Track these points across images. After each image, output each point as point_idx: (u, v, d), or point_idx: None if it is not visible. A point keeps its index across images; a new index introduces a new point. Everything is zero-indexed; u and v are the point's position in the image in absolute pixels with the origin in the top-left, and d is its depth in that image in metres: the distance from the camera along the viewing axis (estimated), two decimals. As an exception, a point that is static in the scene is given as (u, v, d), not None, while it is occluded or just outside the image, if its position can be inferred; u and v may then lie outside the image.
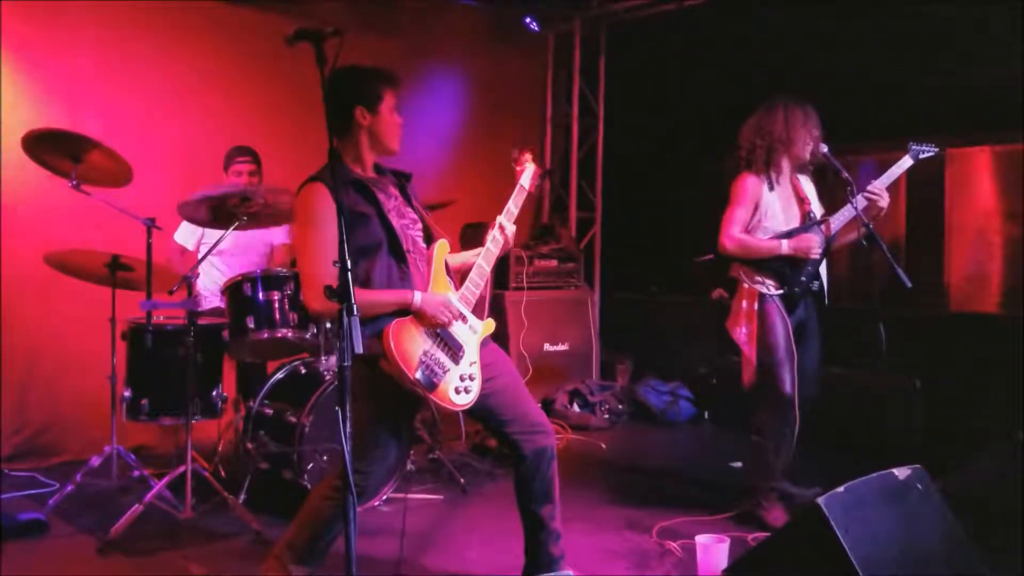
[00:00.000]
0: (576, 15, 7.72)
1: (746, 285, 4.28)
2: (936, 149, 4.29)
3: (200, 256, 4.55)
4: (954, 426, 5.25)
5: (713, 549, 3.57)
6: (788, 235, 4.21)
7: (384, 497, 4.44)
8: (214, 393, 4.45)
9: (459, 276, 3.30)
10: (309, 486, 4.14)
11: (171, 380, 4.27)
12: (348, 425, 2.37)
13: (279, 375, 4.60)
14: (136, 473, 4.50)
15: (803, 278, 4.21)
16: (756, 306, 4.23)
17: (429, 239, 3.29)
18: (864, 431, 5.46)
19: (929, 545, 2.99)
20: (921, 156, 4.25)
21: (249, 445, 4.45)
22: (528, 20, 7.47)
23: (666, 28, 7.30)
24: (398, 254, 3.12)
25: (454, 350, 3.12)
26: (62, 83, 5.21)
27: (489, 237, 3.30)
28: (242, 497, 4.31)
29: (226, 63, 5.80)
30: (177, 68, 5.60)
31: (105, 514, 4.13)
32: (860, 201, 4.14)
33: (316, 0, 5.85)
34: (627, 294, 7.88)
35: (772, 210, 4.25)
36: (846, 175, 4.09)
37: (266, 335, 4.38)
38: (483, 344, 3.25)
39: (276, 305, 4.41)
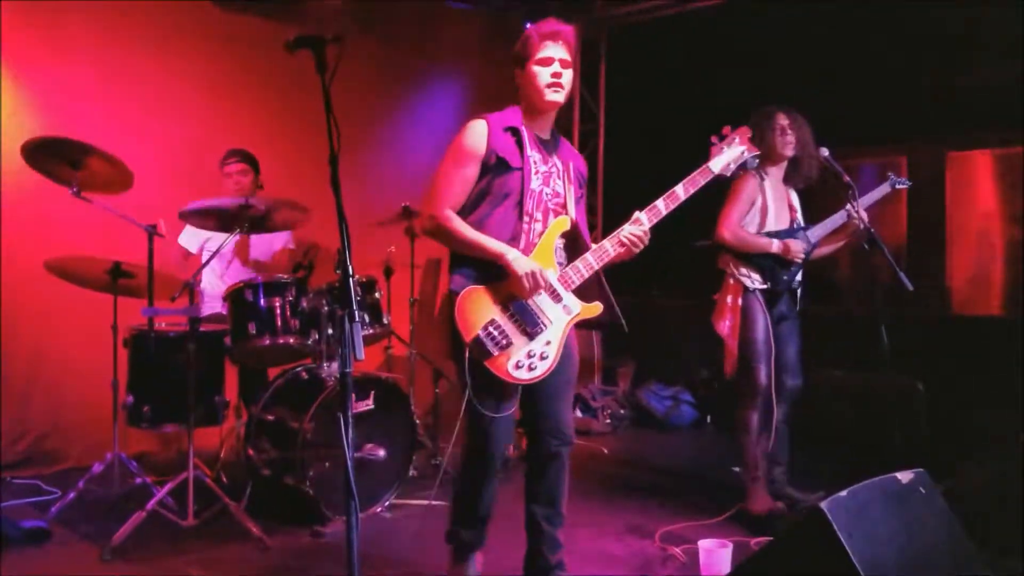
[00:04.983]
0: (576, 20, 7.71)
1: (732, 280, 4.48)
2: (909, 183, 4.56)
3: (203, 261, 4.57)
4: (957, 429, 5.24)
5: (716, 553, 3.56)
6: (778, 235, 4.42)
7: (387, 503, 4.44)
8: (216, 399, 4.45)
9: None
10: (311, 492, 4.14)
11: (173, 386, 4.27)
12: (351, 431, 2.36)
13: (281, 381, 4.60)
14: (138, 480, 4.50)
15: (786, 277, 4.42)
16: (740, 301, 4.43)
17: None
18: (867, 434, 5.46)
19: (932, 548, 2.98)
20: (896, 187, 4.51)
21: (251, 451, 4.45)
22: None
23: (667, 33, 7.31)
24: (520, 213, 3.14)
25: (527, 325, 3.08)
26: (62, 90, 5.21)
27: (625, 228, 3.22)
28: (244, 504, 4.31)
29: (226, 69, 5.80)
30: (177, 74, 5.61)
31: (107, 521, 4.12)
32: (842, 216, 4.39)
33: (315, 5, 5.86)
34: (628, 298, 7.86)
35: (765, 210, 4.46)
36: (847, 179, 4.11)
37: (268, 341, 4.38)
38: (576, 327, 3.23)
39: (278, 311, 4.41)
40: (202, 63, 5.71)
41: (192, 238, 5.05)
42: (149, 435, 5.19)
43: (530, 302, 3.10)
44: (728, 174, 3.39)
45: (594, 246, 3.25)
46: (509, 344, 3.05)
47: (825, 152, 4.22)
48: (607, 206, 7.99)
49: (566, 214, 3.26)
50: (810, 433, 5.60)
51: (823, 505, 2.76)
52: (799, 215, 4.58)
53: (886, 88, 6.62)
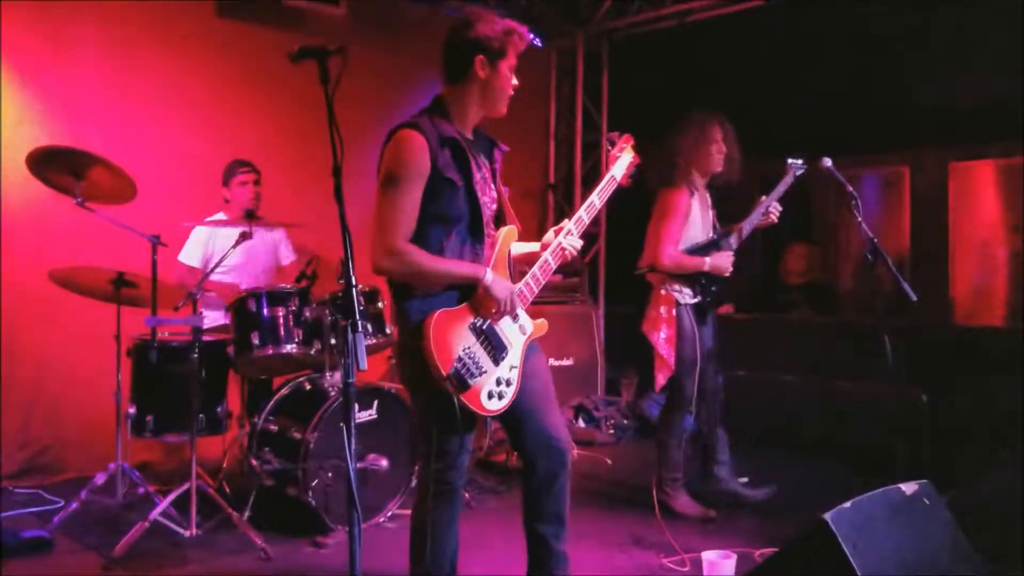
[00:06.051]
0: (578, 31, 7.75)
1: (663, 292, 4.55)
2: (804, 167, 4.54)
3: (206, 272, 4.58)
4: (960, 439, 5.23)
5: (719, 564, 3.55)
6: (705, 250, 4.49)
7: (389, 513, 4.43)
8: (219, 409, 4.45)
9: (516, 268, 3.09)
10: (313, 503, 4.14)
11: (176, 396, 4.26)
12: (353, 441, 2.36)
13: (284, 391, 4.60)
14: (141, 490, 4.49)
15: (715, 289, 4.52)
16: (674, 312, 4.51)
17: (499, 223, 3.08)
18: (870, 444, 5.44)
19: (937, 560, 2.97)
20: (797, 174, 4.55)
21: (253, 462, 4.45)
22: (531, 36, 7.50)
23: (668, 43, 7.33)
24: (476, 233, 2.94)
25: (497, 351, 2.90)
26: (65, 101, 5.22)
27: (562, 232, 3.09)
28: (247, 514, 4.30)
29: (229, 80, 5.82)
30: (180, 84, 5.62)
31: (109, 531, 4.12)
32: (757, 215, 4.50)
33: (318, 16, 5.88)
34: (631, 309, 7.85)
35: (696, 222, 4.55)
36: (850, 188, 4.12)
37: (271, 351, 4.38)
38: (530, 347, 3.04)
39: (281, 321, 4.41)
40: (205, 73, 5.73)
41: (195, 252, 5.02)
42: (152, 445, 5.18)
43: (496, 326, 2.92)
44: (627, 184, 3.36)
45: (533, 248, 3.14)
46: (483, 372, 2.85)
47: (828, 162, 4.22)
48: (610, 215, 7.99)
49: (509, 222, 3.08)
50: (812, 443, 5.60)
51: (828, 517, 2.75)
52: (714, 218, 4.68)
53: (889, 99, 6.62)
